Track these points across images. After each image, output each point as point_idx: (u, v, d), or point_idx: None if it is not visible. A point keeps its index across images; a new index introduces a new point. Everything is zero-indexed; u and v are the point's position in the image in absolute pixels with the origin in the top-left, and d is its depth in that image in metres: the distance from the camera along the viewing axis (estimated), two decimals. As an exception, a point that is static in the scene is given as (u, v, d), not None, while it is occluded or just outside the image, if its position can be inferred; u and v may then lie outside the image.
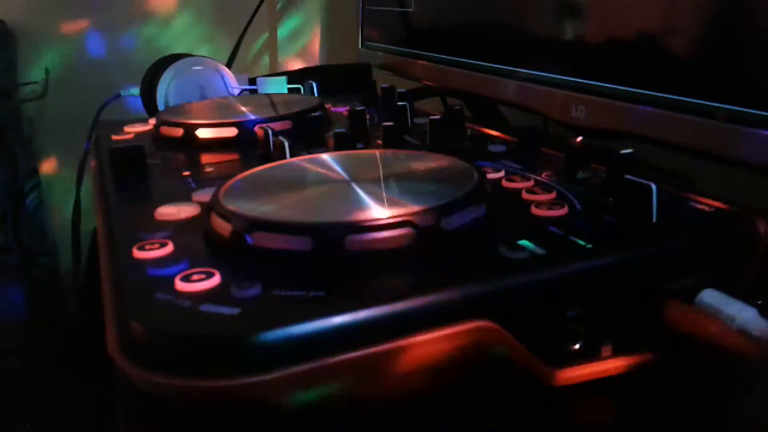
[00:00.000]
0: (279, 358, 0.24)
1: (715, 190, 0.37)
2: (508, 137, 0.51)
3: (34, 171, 1.14)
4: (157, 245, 0.31)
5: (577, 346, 0.29)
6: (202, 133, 0.52)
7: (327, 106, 0.62)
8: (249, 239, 0.29)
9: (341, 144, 0.46)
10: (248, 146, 0.49)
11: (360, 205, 0.32)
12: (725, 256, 0.32)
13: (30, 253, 1.12)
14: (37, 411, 0.99)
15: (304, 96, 0.65)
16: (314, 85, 0.67)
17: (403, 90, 0.62)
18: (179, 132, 0.53)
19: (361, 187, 0.34)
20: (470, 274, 0.28)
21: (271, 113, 0.55)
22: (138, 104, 0.73)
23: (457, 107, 0.53)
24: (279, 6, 1.19)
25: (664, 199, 0.33)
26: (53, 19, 1.13)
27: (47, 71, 1.13)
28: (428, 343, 0.26)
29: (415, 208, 0.30)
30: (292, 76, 0.72)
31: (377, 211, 0.30)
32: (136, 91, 0.73)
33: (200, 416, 0.26)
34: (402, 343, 0.25)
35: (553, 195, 0.36)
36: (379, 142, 0.48)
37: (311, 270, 0.28)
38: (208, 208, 0.33)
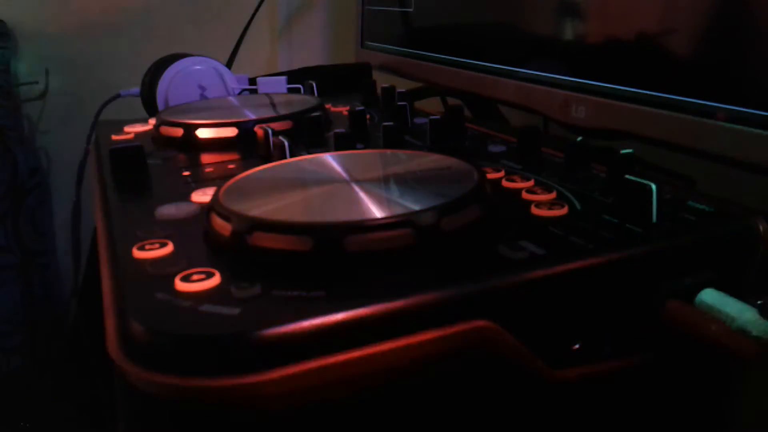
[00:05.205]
0: (278, 357, 0.24)
1: (715, 190, 0.37)
2: (508, 137, 0.51)
3: (34, 171, 1.14)
4: (157, 245, 0.31)
5: (577, 346, 0.29)
6: (202, 133, 0.52)
7: (327, 106, 0.62)
8: (249, 239, 0.29)
9: (341, 144, 0.46)
10: (248, 146, 0.49)
11: (360, 205, 0.32)
12: (725, 256, 0.32)
13: (30, 253, 1.12)
14: (37, 411, 0.99)
15: (304, 96, 0.65)
16: (314, 85, 0.67)
17: (403, 90, 0.62)
18: (179, 132, 0.53)
19: (361, 187, 0.34)
20: (470, 274, 0.28)
21: (271, 113, 0.55)
22: (138, 104, 0.73)
23: (457, 107, 0.53)
24: (279, 6, 1.19)
25: (664, 199, 0.33)
26: (53, 19, 1.13)
27: (47, 71, 1.13)
28: (428, 343, 0.26)
29: (415, 208, 0.30)
30: (292, 76, 0.72)
31: (377, 211, 0.30)
32: (136, 91, 0.73)
33: (200, 416, 0.26)
34: (402, 342, 0.25)
35: (553, 195, 0.36)
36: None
37: (311, 270, 0.28)
38: (208, 208, 0.33)
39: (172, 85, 0.69)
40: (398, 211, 0.30)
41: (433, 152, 0.42)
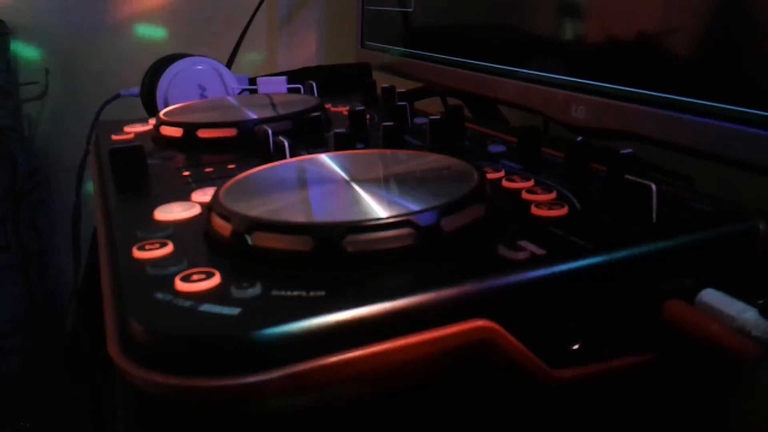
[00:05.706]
0: (279, 357, 0.24)
1: (715, 190, 0.37)
2: (508, 137, 0.51)
3: (34, 171, 1.14)
4: (157, 245, 0.31)
5: (576, 346, 0.29)
6: (202, 133, 0.52)
7: (327, 106, 0.62)
8: (249, 239, 0.29)
9: (341, 144, 0.46)
10: (248, 146, 0.49)
11: (360, 205, 0.32)
12: (725, 256, 0.32)
13: (30, 253, 1.12)
14: (37, 411, 0.99)
15: (304, 96, 0.65)
16: (314, 85, 0.67)
17: (403, 90, 0.62)
18: (179, 132, 0.53)
19: (361, 187, 0.34)
20: (470, 273, 0.28)
21: (271, 113, 0.55)
22: (138, 104, 0.73)
23: (457, 107, 0.53)
24: (279, 6, 1.19)
25: (664, 199, 0.33)
26: (53, 19, 1.13)
27: (47, 71, 1.13)
28: (428, 343, 0.26)
29: (415, 208, 0.30)
30: (292, 76, 0.72)
31: (377, 211, 0.30)
32: (136, 91, 0.73)
33: (200, 416, 0.26)
34: (402, 342, 0.25)
35: (553, 195, 0.36)
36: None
37: (311, 270, 0.28)
38: (208, 208, 0.33)
39: (172, 85, 0.69)
40: (398, 211, 0.30)
41: (433, 152, 0.42)
